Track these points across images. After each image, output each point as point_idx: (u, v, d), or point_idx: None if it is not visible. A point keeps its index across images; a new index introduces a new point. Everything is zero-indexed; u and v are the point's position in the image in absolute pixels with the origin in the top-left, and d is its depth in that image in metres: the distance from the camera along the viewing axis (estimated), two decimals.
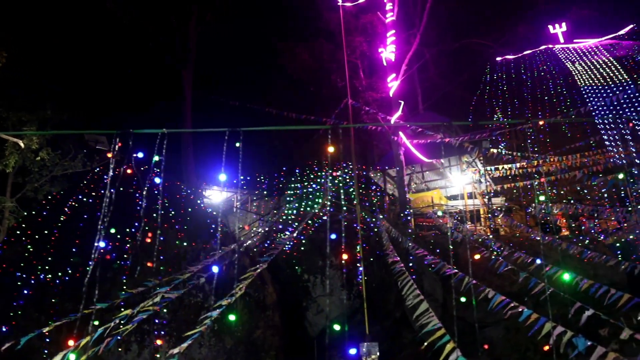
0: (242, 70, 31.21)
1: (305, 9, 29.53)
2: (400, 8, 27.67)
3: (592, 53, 39.19)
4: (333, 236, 16.63)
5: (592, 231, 23.95)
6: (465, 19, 35.00)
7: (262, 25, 30.41)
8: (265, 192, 25.69)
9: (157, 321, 13.26)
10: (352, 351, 12.37)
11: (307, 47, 29.10)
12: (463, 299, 14.79)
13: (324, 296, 17.51)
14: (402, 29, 28.30)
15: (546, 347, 14.34)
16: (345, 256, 16.06)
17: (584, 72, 37.02)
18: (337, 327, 15.99)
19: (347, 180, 24.55)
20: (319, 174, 23.92)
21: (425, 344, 9.05)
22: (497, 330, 16.16)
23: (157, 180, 13.70)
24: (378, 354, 11.68)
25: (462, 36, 34.18)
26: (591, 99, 33.78)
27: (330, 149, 11.14)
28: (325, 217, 18.81)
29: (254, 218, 24.96)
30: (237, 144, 9.28)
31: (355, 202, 19.75)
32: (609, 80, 35.44)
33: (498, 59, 40.17)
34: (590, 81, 35.87)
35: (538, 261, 14.15)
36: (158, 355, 13.08)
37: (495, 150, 25.28)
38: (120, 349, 12.96)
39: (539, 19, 40.21)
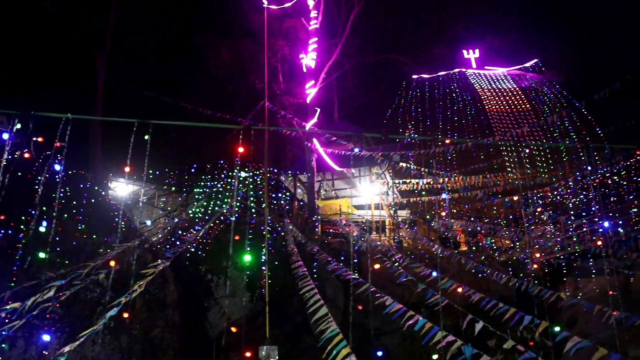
0: (160, 62, 30.29)
1: (230, 7, 29.22)
2: (324, 17, 28.03)
3: (500, 81, 41.53)
4: (238, 237, 16.46)
5: (488, 248, 25.29)
6: (386, 34, 35.98)
7: (185, 18, 29.64)
8: (173, 188, 25.09)
9: (48, 316, 12.60)
10: (249, 354, 12.34)
11: (228, 45, 28.77)
12: (360, 307, 15.16)
13: (226, 297, 17.34)
14: (324, 38, 28.69)
15: (435, 356, 14.97)
16: (249, 258, 15.98)
17: (492, 98, 39.14)
18: (237, 329, 15.88)
19: (258, 182, 24.48)
20: (230, 173, 23.67)
21: (327, 350, 9.17)
22: (394, 338, 16.69)
23: (57, 167, 13.06)
24: (277, 357, 11.72)
25: (382, 51, 35.10)
26: (496, 123, 35.74)
27: (243, 150, 11.10)
28: (233, 218, 18.64)
29: (160, 214, 24.31)
30: (147, 137, 9.08)
31: (264, 204, 19.74)
32: (513, 107, 37.72)
33: (414, 76, 41.57)
34: (497, 107, 37.99)
35: (434, 274, 14.80)
36: (46, 353, 12.43)
37: (404, 165, 26.13)
38: (4, 345, 12.20)
39: (454, 43, 42.07)
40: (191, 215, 21.63)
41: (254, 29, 26.92)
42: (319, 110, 27.24)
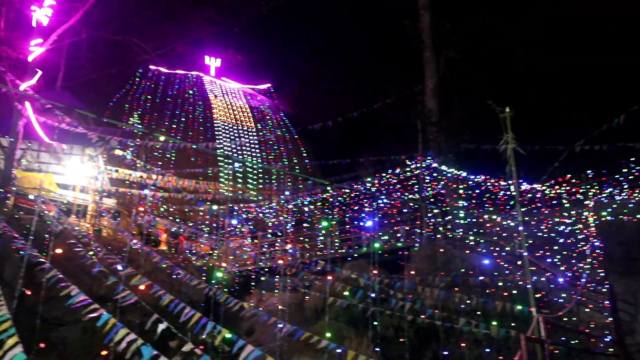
0: None
1: None
2: None
3: (233, 95, 43.38)
4: None
5: (187, 251, 25.99)
6: (134, 16, 34.78)
7: None
8: None
9: None
10: None
11: None
12: (29, 292, 14.27)
13: None
14: None
15: (104, 352, 14.65)
16: None
17: (222, 108, 40.64)
18: None
19: None
20: None
21: None
22: (74, 330, 15.93)
23: None
24: None
25: (125, 32, 33.66)
26: (221, 133, 37.17)
27: None
28: None
29: None
30: None
31: None
32: (238, 122, 39.75)
33: (152, 67, 40.77)
34: (224, 118, 39.57)
35: (120, 267, 14.76)
36: None
37: (121, 152, 25.39)
38: None
39: (199, 47, 42.63)
40: None
41: None
42: (40, 72, 24.81)
